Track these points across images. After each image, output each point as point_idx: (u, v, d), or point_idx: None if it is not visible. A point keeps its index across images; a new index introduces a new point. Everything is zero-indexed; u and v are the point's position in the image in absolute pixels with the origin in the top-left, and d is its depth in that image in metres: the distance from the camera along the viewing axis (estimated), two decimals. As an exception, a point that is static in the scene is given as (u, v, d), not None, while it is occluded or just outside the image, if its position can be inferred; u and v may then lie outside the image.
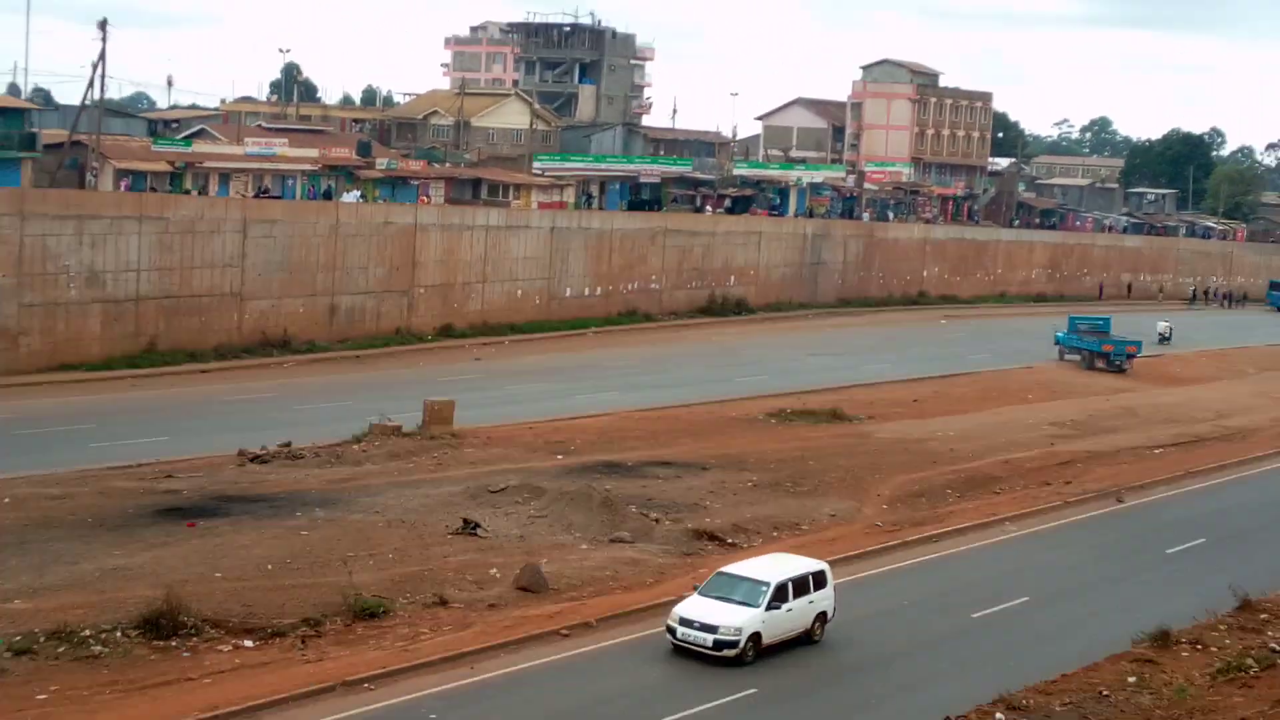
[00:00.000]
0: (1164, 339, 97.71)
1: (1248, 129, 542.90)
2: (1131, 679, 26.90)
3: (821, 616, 31.35)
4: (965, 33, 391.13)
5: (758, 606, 29.21)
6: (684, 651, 29.13)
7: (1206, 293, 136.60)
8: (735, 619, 28.79)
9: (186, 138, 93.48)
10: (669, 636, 29.27)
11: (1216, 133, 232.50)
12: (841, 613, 33.11)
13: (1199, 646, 29.37)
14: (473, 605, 31.94)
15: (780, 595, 29.65)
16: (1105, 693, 26.03)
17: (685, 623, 29.06)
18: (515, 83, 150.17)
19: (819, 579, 31.12)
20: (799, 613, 30.45)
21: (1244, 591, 33.13)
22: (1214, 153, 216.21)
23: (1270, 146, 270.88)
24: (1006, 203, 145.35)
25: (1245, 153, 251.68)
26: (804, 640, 30.76)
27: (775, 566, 31.28)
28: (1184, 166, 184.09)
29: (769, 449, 50.78)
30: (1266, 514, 47.32)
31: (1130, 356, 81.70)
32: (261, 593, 31.14)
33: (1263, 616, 31.69)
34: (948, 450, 53.04)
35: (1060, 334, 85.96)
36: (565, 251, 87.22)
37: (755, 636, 29.09)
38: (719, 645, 28.52)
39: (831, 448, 51.82)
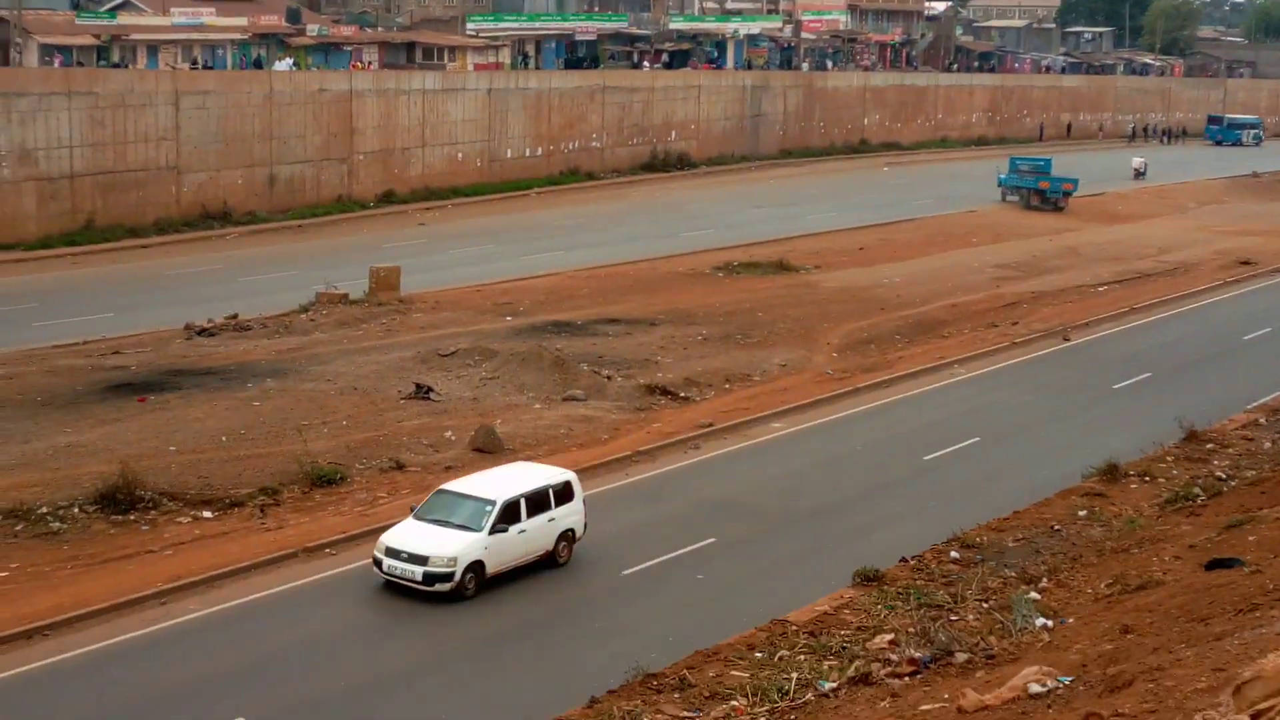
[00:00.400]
0: (1139, 174, 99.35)
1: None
2: (1082, 512, 27.36)
3: (567, 535, 27.34)
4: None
5: (479, 530, 25.43)
6: (395, 587, 25.42)
7: (1145, 130, 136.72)
8: (449, 547, 25.03)
9: (111, 10, 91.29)
10: (375, 570, 25.49)
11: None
12: (797, 460, 33.50)
13: (1147, 478, 29.86)
14: (429, 468, 32.08)
15: (509, 515, 25.84)
16: (1057, 526, 26.47)
17: (392, 553, 25.21)
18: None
19: (562, 492, 27.17)
20: (535, 534, 26.48)
21: (1189, 423, 33.64)
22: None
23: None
24: (944, 47, 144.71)
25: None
26: (549, 564, 26.90)
27: (506, 481, 27.15)
28: (1120, 4, 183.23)
29: (717, 302, 50.87)
30: (1209, 346, 47.92)
31: (1067, 194, 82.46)
32: (217, 464, 31.14)
33: (1209, 446, 32.22)
34: (894, 296, 53.30)
35: (1002, 175, 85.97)
36: (504, 113, 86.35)
37: (476, 566, 25.26)
38: (430, 579, 24.71)
39: (779, 298, 51.97)
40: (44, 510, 27.94)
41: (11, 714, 20.92)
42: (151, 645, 23.28)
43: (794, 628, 21.42)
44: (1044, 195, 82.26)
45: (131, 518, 28.07)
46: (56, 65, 73.16)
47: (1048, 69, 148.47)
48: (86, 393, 36.60)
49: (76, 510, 28.10)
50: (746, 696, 17.20)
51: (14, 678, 21.91)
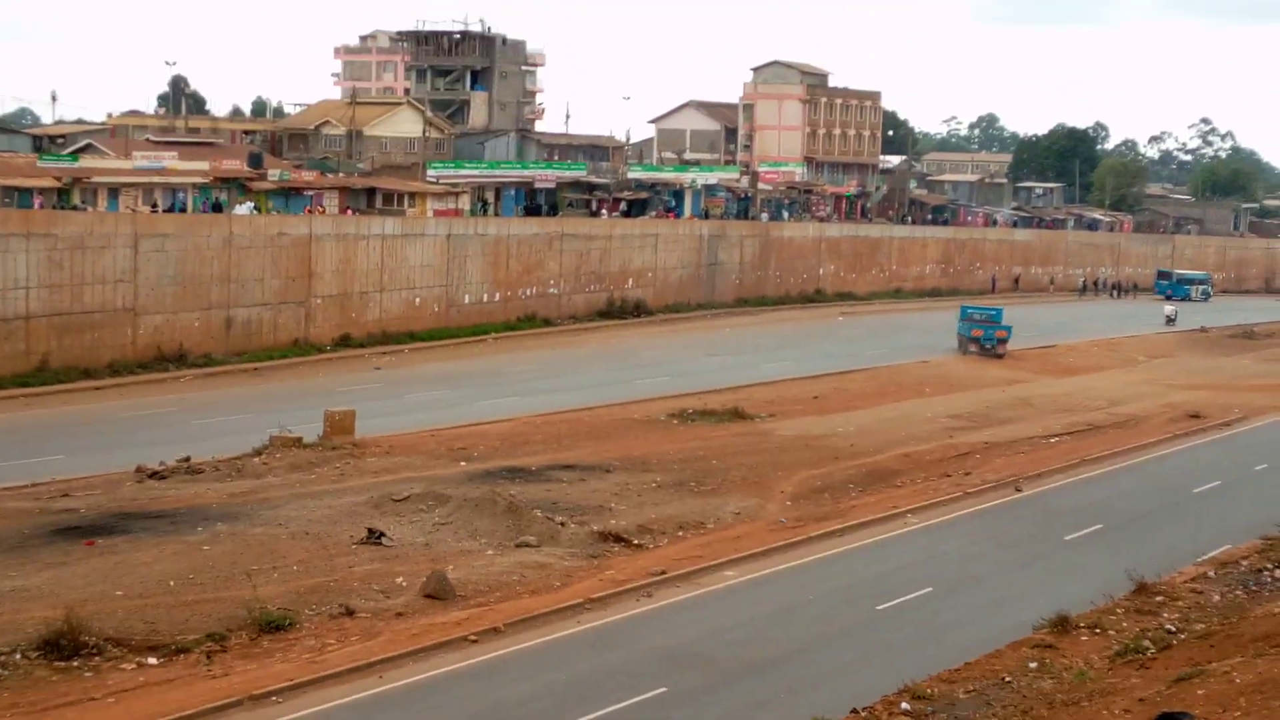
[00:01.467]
0: (1170, 320, 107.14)
1: (1131, 123, 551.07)
2: (1033, 664, 27.26)
3: None
4: (854, 32, 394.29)
5: None
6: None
7: (1096, 284, 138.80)
8: None
9: (73, 153, 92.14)
10: None
11: (1101, 127, 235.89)
12: (750, 609, 33.40)
13: (1097, 630, 29.81)
14: (380, 614, 31.73)
15: None
16: (1007, 678, 26.34)
17: None
18: (407, 91, 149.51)
19: None
20: None
21: (1140, 575, 33.65)
22: (1099, 146, 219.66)
23: (1153, 139, 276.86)
24: (899, 200, 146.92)
25: (1129, 146, 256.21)
26: None
27: None
28: (1070, 160, 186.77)
29: (671, 449, 50.92)
30: (1159, 499, 48.14)
31: (1001, 341, 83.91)
32: (164, 609, 30.74)
33: (1158, 599, 32.22)
34: (848, 445, 53.47)
35: (959, 324, 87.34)
36: (462, 258, 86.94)
37: None
38: None
39: (733, 446, 52.06)
40: (-15, 655, 27.52)
41: None
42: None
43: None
44: (979, 342, 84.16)
45: (75, 664, 27.60)
46: (8, 206, 73.20)
47: (999, 223, 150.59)
48: (34, 536, 36.22)
49: (19, 656, 27.62)
50: None
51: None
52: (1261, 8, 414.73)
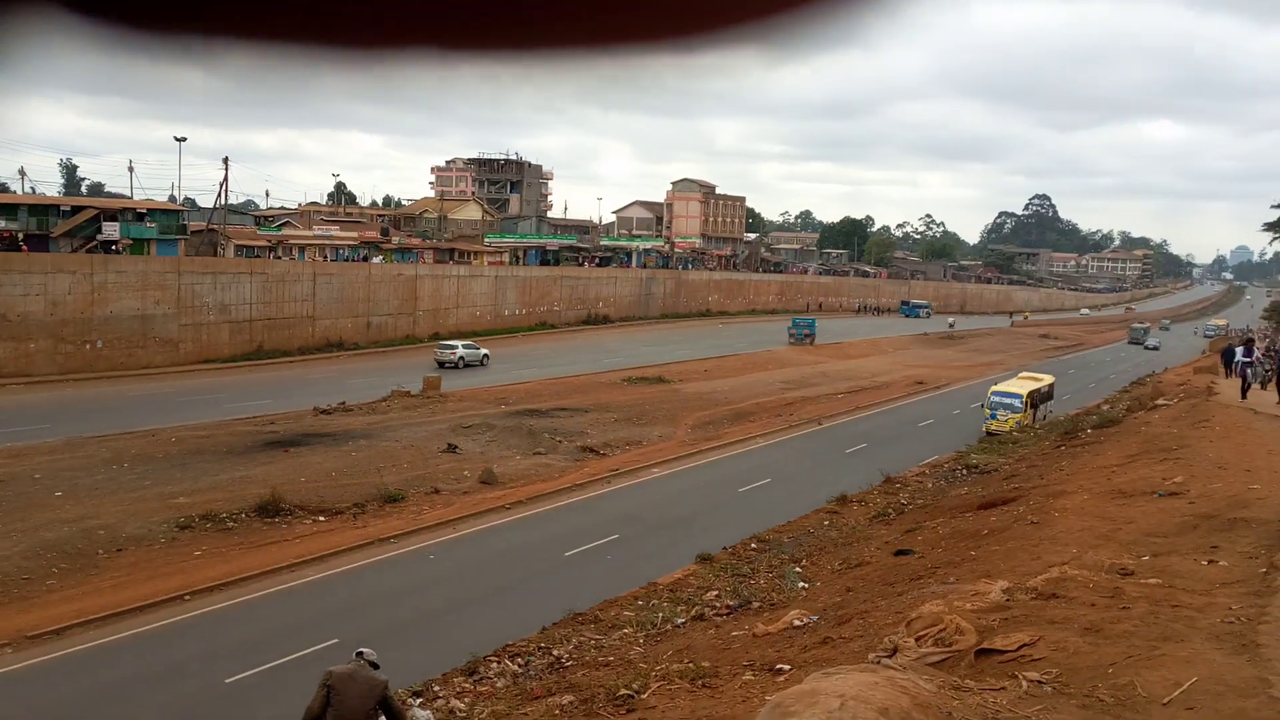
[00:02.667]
0: (951, 326, 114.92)
1: (887, 216, 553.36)
2: (825, 522, 27.48)
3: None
4: (731, 162, 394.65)
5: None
6: None
7: (865, 307, 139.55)
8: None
9: (278, 226, 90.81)
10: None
11: (870, 218, 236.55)
12: (666, 490, 33.39)
13: (863, 503, 30.09)
14: (454, 493, 31.64)
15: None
16: (811, 530, 26.55)
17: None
18: (473, 193, 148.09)
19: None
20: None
21: (887, 472, 34.01)
22: (869, 229, 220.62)
23: (898, 225, 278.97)
24: (755, 258, 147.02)
25: (885, 229, 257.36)
26: None
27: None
28: (852, 237, 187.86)
29: (623, 399, 50.93)
30: (899, 429, 48.50)
31: (811, 337, 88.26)
32: (328, 489, 30.56)
33: (897, 485, 32.56)
34: (724, 398, 53.60)
35: (792, 329, 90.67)
36: (504, 290, 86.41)
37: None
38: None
39: (658, 398, 52.13)
40: (224, 515, 27.21)
41: (219, 628, 20.24)
42: (288, 596, 22.62)
43: (661, 587, 21.23)
44: (800, 337, 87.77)
45: (276, 520, 27.43)
46: (245, 257, 72.37)
47: (809, 272, 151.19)
48: (252, 447, 35.90)
49: (243, 515, 27.41)
50: (633, 627, 17.01)
51: (209, 613, 21.25)
52: (965, 153, 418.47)
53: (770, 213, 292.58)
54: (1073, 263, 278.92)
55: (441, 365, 60.82)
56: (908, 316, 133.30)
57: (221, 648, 19.53)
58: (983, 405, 44.80)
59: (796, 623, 14.14)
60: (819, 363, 73.85)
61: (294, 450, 35.48)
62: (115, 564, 23.60)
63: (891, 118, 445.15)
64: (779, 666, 11.35)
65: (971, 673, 9.08)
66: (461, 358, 62.39)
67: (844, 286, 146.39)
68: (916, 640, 10.45)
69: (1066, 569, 13.26)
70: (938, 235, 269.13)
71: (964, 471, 33.97)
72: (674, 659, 13.05)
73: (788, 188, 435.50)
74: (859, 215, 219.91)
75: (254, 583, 23.06)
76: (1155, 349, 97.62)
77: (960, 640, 10.07)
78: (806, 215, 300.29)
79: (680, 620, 17.12)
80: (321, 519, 28.00)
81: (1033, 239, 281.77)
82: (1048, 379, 49.93)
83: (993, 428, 42.54)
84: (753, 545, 24.70)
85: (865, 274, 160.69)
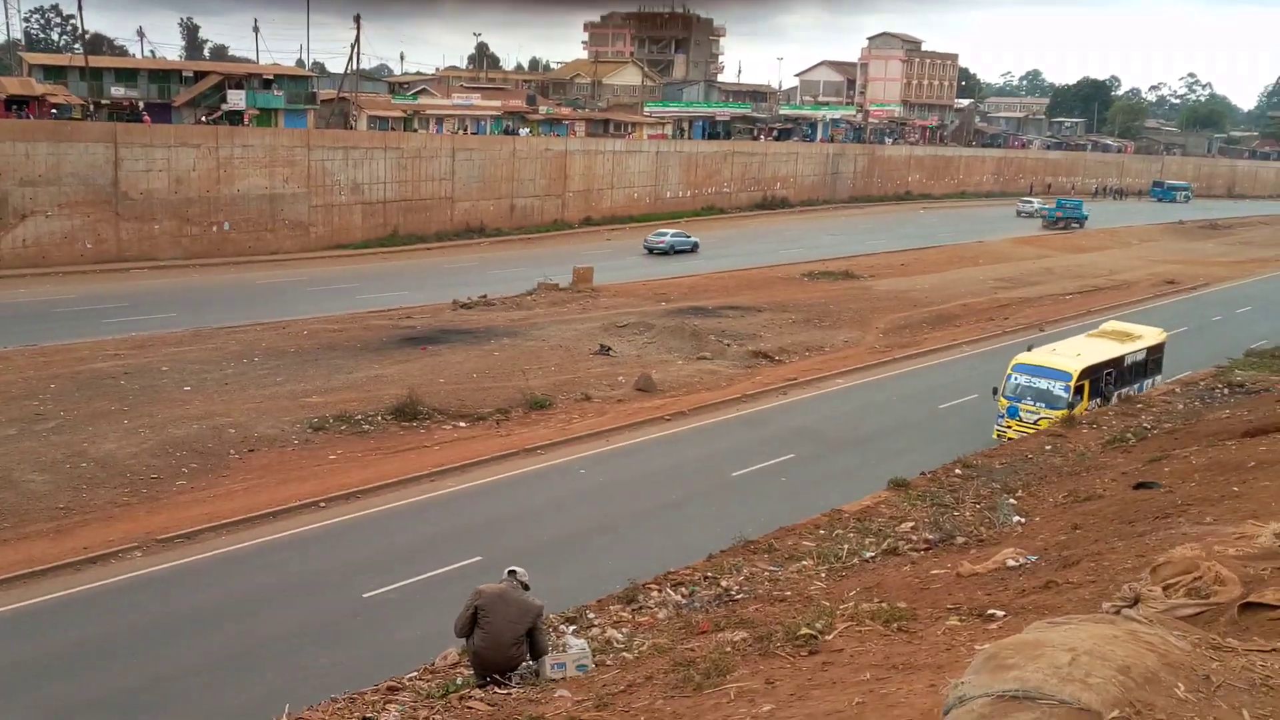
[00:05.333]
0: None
1: (1137, 76, 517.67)
2: (1048, 447, 26.51)
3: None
4: (941, 11, 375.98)
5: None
6: None
7: (1105, 189, 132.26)
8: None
9: (414, 94, 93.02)
10: None
11: (1115, 79, 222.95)
12: (851, 404, 33.06)
13: (1094, 425, 28.84)
14: (607, 400, 32.27)
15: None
16: (1030, 456, 25.64)
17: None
18: (632, 54, 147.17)
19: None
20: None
21: (1124, 391, 32.49)
22: (1113, 93, 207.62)
23: (1152, 88, 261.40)
24: (966, 130, 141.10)
25: (1134, 92, 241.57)
26: None
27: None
28: (1091, 103, 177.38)
29: (803, 297, 50.38)
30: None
31: (1075, 222, 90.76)
32: (469, 392, 31.67)
33: (1139, 406, 30.99)
34: (924, 297, 52.26)
35: (1046, 210, 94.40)
36: (666, 168, 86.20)
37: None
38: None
39: (844, 296, 51.29)
40: (359, 417, 28.70)
41: (355, 539, 21.55)
42: (426, 508, 23.77)
43: (846, 515, 21.08)
44: (1055, 218, 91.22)
45: (414, 424, 28.71)
46: (373, 129, 74.63)
47: (1034, 145, 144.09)
48: (388, 343, 37.52)
49: (379, 418, 28.82)
50: (813, 559, 17.00)
51: (344, 522, 22.60)
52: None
53: (989, 74, 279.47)
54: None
55: (650, 252, 65.48)
56: (1160, 200, 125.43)
57: (358, 559, 20.77)
58: (997, 391, 29.48)
59: (1011, 563, 13.76)
60: (1043, 256, 70.70)
61: (432, 348, 36.86)
62: (247, 465, 25.32)
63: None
64: (991, 612, 11.07)
65: (1234, 630, 8.60)
66: (672, 245, 65.87)
67: (1078, 164, 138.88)
68: (1164, 589, 9.98)
69: (1362, 513, 12.36)
70: (1202, 99, 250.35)
71: (1225, 390, 32.01)
72: (863, 597, 12.96)
73: (1011, 41, 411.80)
74: (1101, 75, 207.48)
75: (391, 491, 24.31)
76: None
77: (1221, 591, 9.56)
78: (1034, 76, 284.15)
79: (869, 554, 16.99)
80: (462, 424, 29.12)
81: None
82: (1149, 335, 33.52)
83: (1013, 433, 28.12)
84: (956, 471, 24.10)
85: (1106, 148, 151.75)
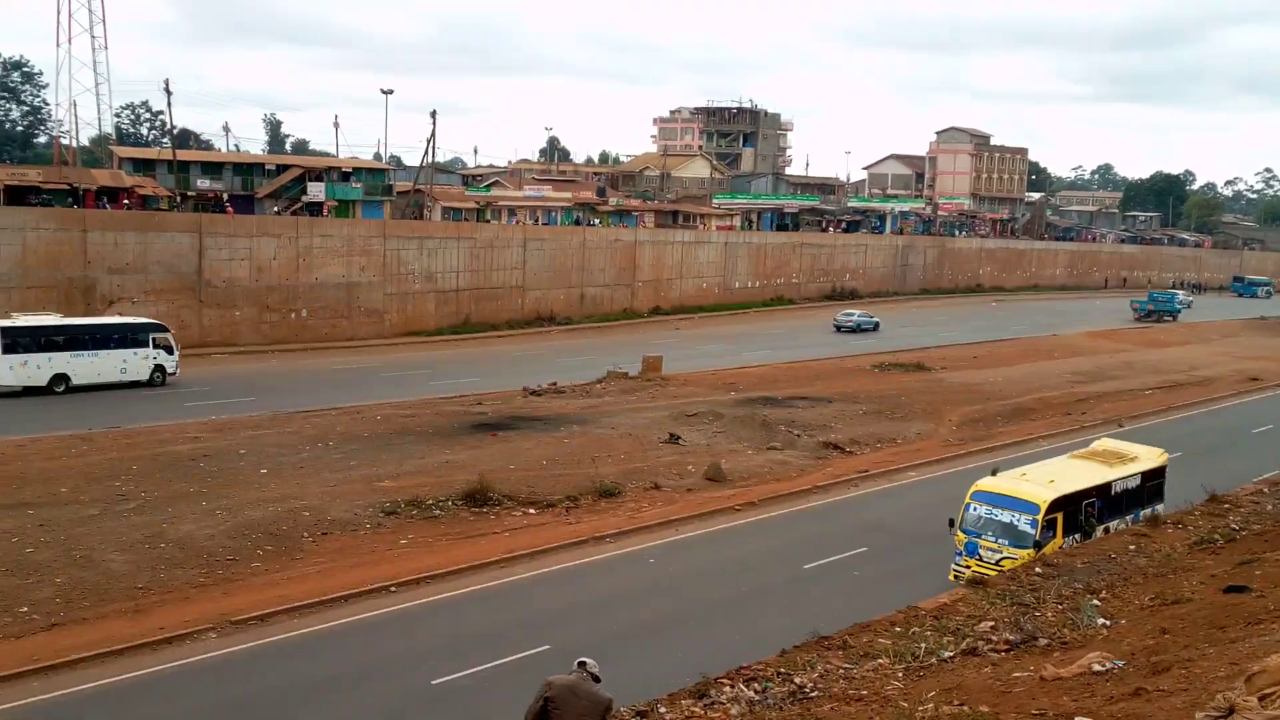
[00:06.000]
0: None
1: (1212, 170, 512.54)
2: (1132, 547, 25.79)
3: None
4: (1008, 106, 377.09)
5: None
6: None
7: (1182, 284, 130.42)
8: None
9: (486, 186, 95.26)
10: None
11: (1189, 174, 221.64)
12: (925, 498, 32.52)
13: (1180, 525, 28.04)
14: (676, 489, 32.18)
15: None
16: (1114, 556, 25.01)
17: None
18: (700, 147, 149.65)
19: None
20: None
21: (1212, 489, 31.57)
22: (1187, 187, 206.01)
23: (1228, 183, 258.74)
24: (1038, 223, 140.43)
25: (1210, 187, 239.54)
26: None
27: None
28: (1165, 197, 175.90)
29: (873, 389, 50.04)
30: (1226, 435, 45.11)
31: (1175, 314, 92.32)
32: (539, 479, 31.79)
33: (1225, 506, 30.08)
34: (998, 390, 51.63)
35: (1140, 302, 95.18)
36: (734, 259, 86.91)
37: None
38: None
39: (916, 388, 50.85)
40: (430, 502, 28.92)
41: (425, 625, 21.64)
42: (496, 595, 23.74)
43: (923, 612, 20.65)
44: (1149, 311, 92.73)
45: (484, 510, 28.85)
46: (447, 220, 76.36)
47: (1109, 238, 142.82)
48: (459, 429, 37.88)
49: (450, 503, 29.01)
50: (890, 657, 16.68)
51: (414, 608, 22.68)
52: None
53: (1059, 167, 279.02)
54: None
55: (839, 329, 75.09)
56: (1241, 295, 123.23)
57: (427, 646, 20.77)
58: (953, 524, 24.88)
59: (1096, 667, 13.40)
60: (1122, 351, 69.62)
61: (502, 434, 37.14)
62: (320, 548, 25.58)
63: (1217, 45, 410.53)
64: (1078, 719, 10.80)
65: (1340, 745, 8.32)
66: (858, 324, 75.71)
67: (1154, 257, 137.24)
68: (1260, 700, 9.68)
69: None
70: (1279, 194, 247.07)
71: (1317, 492, 31.07)
72: (942, 699, 12.69)
73: (1081, 137, 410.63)
74: (1173, 169, 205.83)
75: (461, 577, 24.36)
76: None
77: (1322, 704, 9.26)
78: (1105, 170, 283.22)
79: (948, 653, 16.61)
80: (532, 511, 29.20)
81: None
82: (1146, 457, 29.25)
83: (971, 574, 22.70)
84: (1037, 569, 23.58)
85: (1183, 242, 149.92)
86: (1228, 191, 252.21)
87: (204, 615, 21.35)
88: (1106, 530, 25.76)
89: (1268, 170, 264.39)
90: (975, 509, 24.67)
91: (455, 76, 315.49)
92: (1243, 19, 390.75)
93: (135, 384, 44.85)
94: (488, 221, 79.44)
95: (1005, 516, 24.23)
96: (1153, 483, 28.72)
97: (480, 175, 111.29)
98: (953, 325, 79.63)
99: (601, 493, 30.84)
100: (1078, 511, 25.12)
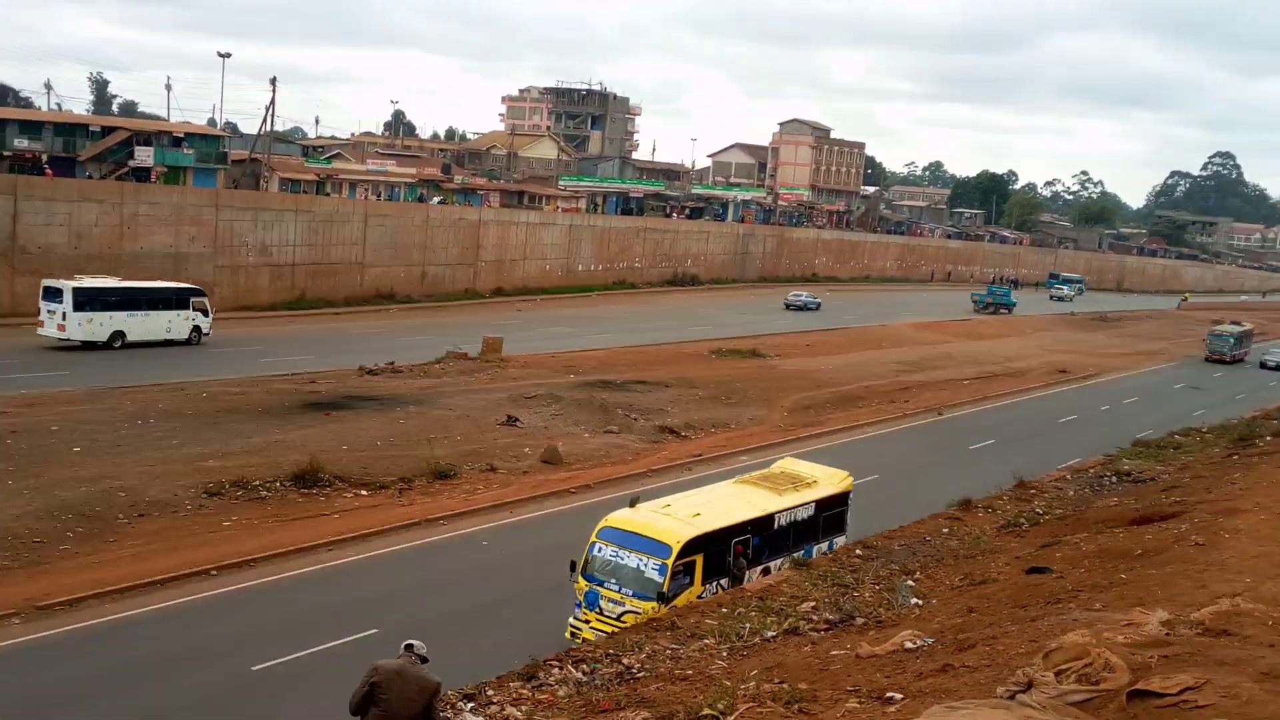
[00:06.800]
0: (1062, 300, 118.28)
1: (1033, 171, 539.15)
2: (945, 529, 26.98)
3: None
4: (848, 102, 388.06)
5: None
6: None
7: (1001, 279, 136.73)
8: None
9: (327, 158, 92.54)
10: None
11: (1013, 174, 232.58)
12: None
13: (990, 510, 29.46)
14: (512, 472, 32.05)
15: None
16: (928, 538, 26.09)
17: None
18: (548, 128, 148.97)
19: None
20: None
21: (1020, 474, 33.27)
22: (1010, 187, 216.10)
23: (1047, 184, 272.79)
24: (872, 216, 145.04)
25: (1030, 187, 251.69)
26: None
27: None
28: (990, 196, 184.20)
29: (710, 374, 50.81)
30: (1035, 424, 47.61)
31: (1005, 308, 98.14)
32: (373, 460, 31.18)
33: (1032, 491, 31.84)
34: (828, 378, 53.13)
35: (979, 295, 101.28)
36: (579, 241, 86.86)
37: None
38: None
39: (751, 375, 51.89)
40: (257, 483, 28.00)
41: (247, 609, 20.88)
42: (323, 578, 23.19)
43: (749, 594, 21.11)
44: (988, 304, 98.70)
45: (314, 492, 28.12)
46: (284, 191, 73.99)
47: (936, 234, 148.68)
48: (291, 407, 36.77)
49: (278, 484, 28.15)
50: (715, 637, 16.97)
51: (237, 592, 21.94)
52: (1132, 98, 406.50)
53: (894, 163, 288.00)
54: (1258, 235, 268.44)
55: (788, 307, 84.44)
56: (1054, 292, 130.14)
57: (249, 631, 20.12)
58: (574, 566, 20.17)
59: (909, 645, 13.92)
60: (943, 342, 72.55)
61: (336, 414, 36.24)
62: (136, 531, 24.46)
63: (1045, 51, 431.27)
64: (890, 695, 11.18)
65: (1123, 717, 8.82)
66: (805, 303, 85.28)
67: (977, 253, 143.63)
68: (1056, 675, 10.19)
69: (1239, 601, 12.80)
70: (1094, 196, 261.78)
71: (1113, 479, 33.06)
72: (764, 678, 12.98)
73: (915, 134, 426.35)
74: (999, 169, 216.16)
75: (287, 560, 23.68)
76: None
77: (1109, 678, 9.79)
78: (936, 167, 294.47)
79: (770, 633, 17.02)
80: (364, 493, 28.60)
81: (1210, 205, 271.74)
82: (827, 482, 25.19)
83: (589, 632, 19.14)
84: (857, 552, 24.35)
85: (1004, 239, 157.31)
86: (1047, 192, 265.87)
87: (7, 600, 20.14)
88: (766, 571, 21.77)
89: (1084, 173, 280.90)
90: (601, 549, 19.75)
91: (298, 43, 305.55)
92: (1067, 26, 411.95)
93: (172, 342, 48.78)
94: (328, 195, 77.17)
95: (633, 560, 19.40)
96: (832, 512, 24.49)
97: (321, 147, 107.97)
98: (788, 314, 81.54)
99: (436, 474, 30.44)
100: (725, 551, 20.74)
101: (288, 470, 28.72)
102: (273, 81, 72.84)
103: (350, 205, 71.81)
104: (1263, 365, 76.15)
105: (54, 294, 45.62)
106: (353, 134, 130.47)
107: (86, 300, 45.93)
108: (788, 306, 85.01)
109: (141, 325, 47.90)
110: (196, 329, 49.88)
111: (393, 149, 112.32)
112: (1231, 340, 78.02)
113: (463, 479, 30.68)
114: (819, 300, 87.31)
